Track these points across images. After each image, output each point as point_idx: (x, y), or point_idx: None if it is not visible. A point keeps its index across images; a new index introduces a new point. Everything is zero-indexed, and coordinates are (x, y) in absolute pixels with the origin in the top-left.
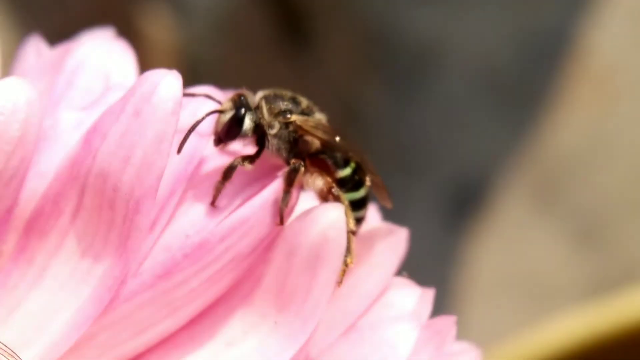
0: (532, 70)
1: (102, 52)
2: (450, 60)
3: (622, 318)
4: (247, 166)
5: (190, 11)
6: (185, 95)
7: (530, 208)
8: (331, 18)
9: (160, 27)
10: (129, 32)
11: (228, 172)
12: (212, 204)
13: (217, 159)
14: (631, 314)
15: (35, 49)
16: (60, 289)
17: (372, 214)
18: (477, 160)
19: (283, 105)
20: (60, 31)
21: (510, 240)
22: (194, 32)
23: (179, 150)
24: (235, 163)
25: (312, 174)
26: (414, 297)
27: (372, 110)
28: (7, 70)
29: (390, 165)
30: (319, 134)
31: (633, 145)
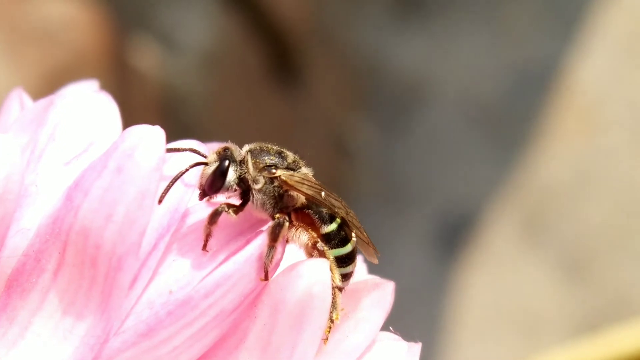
0: (519, 104)
1: (85, 106)
2: (437, 94)
3: (611, 352)
4: (232, 215)
5: (180, 46)
6: (170, 150)
7: (517, 240)
8: (320, 53)
9: (149, 61)
10: (120, 67)
11: (213, 217)
12: (203, 248)
13: (202, 212)
14: (619, 349)
15: (19, 101)
16: (42, 348)
17: (358, 266)
18: (465, 193)
19: (269, 159)
20: (55, 67)
21: (498, 272)
22: (184, 66)
23: (160, 201)
24: (220, 209)
25: (297, 229)
26: (401, 352)
27: (361, 143)
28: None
29: (380, 198)
30: (304, 189)
31: (619, 177)
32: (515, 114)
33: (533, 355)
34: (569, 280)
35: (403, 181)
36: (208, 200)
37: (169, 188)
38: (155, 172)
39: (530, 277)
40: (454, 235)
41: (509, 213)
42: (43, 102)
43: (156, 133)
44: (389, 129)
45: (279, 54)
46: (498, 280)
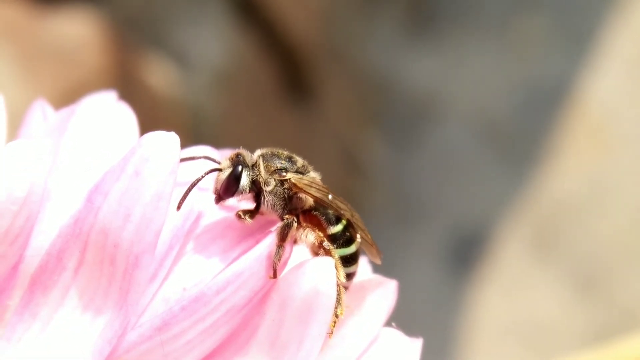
0: (530, 120)
1: (104, 114)
2: (449, 111)
3: None
4: (247, 220)
5: (194, 64)
6: (185, 159)
7: (529, 256)
8: (332, 70)
9: (164, 80)
10: (134, 86)
11: (240, 219)
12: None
13: (214, 214)
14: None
15: (41, 111)
16: (63, 342)
17: (363, 266)
18: (477, 209)
19: (279, 163)
20: (69, 85)
21: (510, 287)
22: (197, 84)
23: (179, 208)
24: (239, 213)
25: (304, 230)
26: (403, 346)
27: (372, 160)
28: (15, 132)
29: (391, 214)
30: (313, 191)
31: (630, 192)
32: (526, 130)
33: None
34: (580, 295)
35: (414, 198)
36: (223, 204)
37: (187, 194)
38: (171, 175)
39: (541, 292)
40: (465, 252)
41: (521, 229)
42: (64, 111)
43: (172, 139)
44: (400, 146)
45: (291, 72)
46: (510, 296)
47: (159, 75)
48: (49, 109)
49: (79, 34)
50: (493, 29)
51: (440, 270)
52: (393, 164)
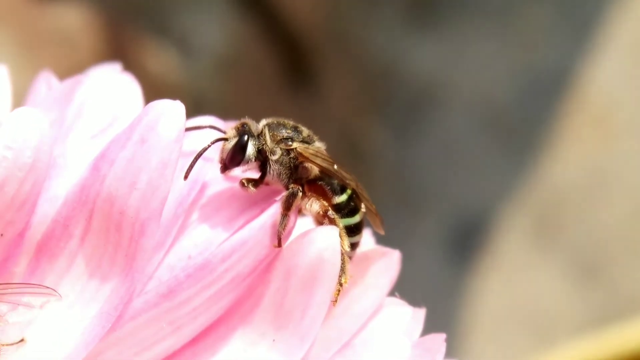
0: (532, 108)
1: (109, 84)
2: (451, 99)
3: (621, 352)
4: (250, 188)
5: (195, 50)
6: (190, 129)
7: (530, 244)
8: (334, 57)
9: (165, 65)
10: (135, 71)
11: (243, 187)
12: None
13: (219, 184)
14: (629, 348)
15: (46, 82)
16: (69, 309)
17: (367, 237)
18: (478, 196)
19: (285, 133)
20: (69, 70)
21: (511, 275)
22: (199, 70)
23: (186, 177)
24: (242, 181)
25: (309, 199)
26: (406, 316)
27: (374, 147)
28: (20, 103)
29: (393, 201)
30: (318, 161)
31: (632, 181)
32: (528, 118)
33: (545, 357)
34: (581, 283)
35: (416, 185)
36: (229, 173)
37: (194, 164)
38: (176, 143)
39: (543, 280)
40: (466, 239)
41: (522, 217)
42: (70, 81)
43: (177, 107)
44: (402, 133)
45: (293, 58)
46: (511, 284)
47: (161, 61)
48: (54, 80)
49: (79, 19)
50: (496, 16)
51: (441, 258)
52: (395, 151)
